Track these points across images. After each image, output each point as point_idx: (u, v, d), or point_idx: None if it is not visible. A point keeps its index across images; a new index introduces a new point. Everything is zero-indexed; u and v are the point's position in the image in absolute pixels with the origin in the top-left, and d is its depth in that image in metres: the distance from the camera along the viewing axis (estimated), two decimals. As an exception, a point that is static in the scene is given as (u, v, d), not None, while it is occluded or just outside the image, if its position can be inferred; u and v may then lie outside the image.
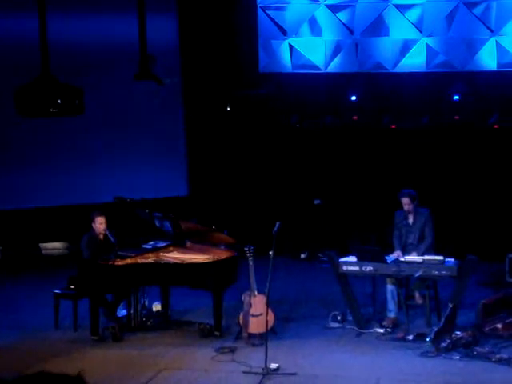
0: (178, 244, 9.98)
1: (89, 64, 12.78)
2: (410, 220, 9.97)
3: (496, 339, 8.91)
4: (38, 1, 9.85)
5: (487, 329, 9.07)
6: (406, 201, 9.87)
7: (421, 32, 12.76)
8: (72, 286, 9.79)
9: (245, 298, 9.24)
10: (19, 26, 12.33)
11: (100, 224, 9.69)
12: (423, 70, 12.82)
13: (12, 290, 11.72)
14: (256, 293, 9.20)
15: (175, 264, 9.38)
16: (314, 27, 13.17)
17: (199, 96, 13.67)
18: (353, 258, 9.49)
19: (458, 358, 8.44)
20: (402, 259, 9.47)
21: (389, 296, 9.58)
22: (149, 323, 9.73)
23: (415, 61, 12.82)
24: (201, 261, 9.41)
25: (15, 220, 13.30)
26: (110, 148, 13.52)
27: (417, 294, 10.09)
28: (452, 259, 9.37)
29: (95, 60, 12.95)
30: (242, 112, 13.66)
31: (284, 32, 13.32)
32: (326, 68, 13.20)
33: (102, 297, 9.53)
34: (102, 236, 9.75)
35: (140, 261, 9.49)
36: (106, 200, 11.55)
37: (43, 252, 13.53)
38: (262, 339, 8.65)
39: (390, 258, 9.54)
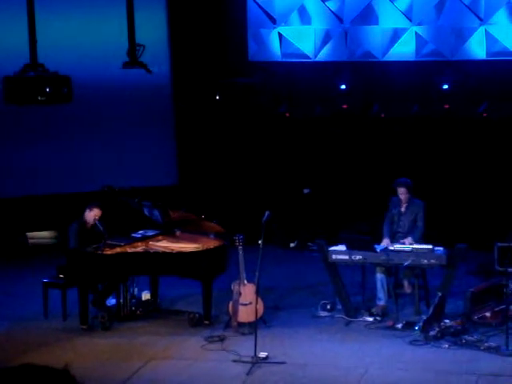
0: (168, 233, 9.95)
1: (77, 52, 12.69)
2: (403, 209, 9.97)
3: (484, 328, 8.94)
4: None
5: (476, 317, 9.09)
6: (402, 190, 9.87)
7: (410, 20, 12.73)
8: (61, 275, 9.75)
9: (234, 286, 9.24)
10: (7, 14, 12.24)
11: (96, 216, 9.68)
12: (413, 58, 12.79)
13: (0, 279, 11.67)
14: (245, 282, 9.20)
15: (164, 253, 9.37)
16: (304, 16, 13.13)
17: (188, 84, 13.61)
18: (342, 247, 9.49)
19: (446, 346, 8.48)
20: (391, 248, 9.49)
21: (378, 285, 9.58)
22: (138, 312, 9.71)
23: (405, 49, 12.79)
24: (190, 250, 9.40)
25: (1, 209, 13.21)
26: (98, 136, 13.44)
27: (406, 283, 10.10)
28: (441, 248, 9.39)
29: (84, 48, 12.86)
30: (231, 101, 13.60)
31: (273, 20, 13.26)
32: (315, 57, 13.16)
33: (93, 285, 9.51)
34: (89, 225, 9.73)
35: (129, 250, 9.48)
36: (94, 189, 11.51)
37: (30, 241, 13.45)
38: (252, 328, 8.65)
39: (379, 246, 9.55)
